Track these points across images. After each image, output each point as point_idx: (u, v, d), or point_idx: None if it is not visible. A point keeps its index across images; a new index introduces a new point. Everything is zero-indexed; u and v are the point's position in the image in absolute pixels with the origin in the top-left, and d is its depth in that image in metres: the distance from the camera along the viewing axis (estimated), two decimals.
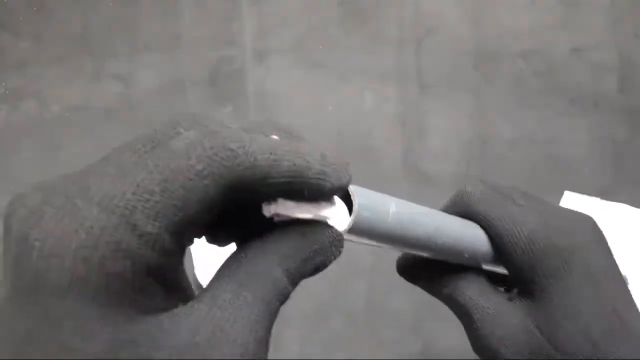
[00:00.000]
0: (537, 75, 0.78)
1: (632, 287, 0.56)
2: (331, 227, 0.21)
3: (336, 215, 0.21)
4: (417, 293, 0.32)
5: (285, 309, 0.20)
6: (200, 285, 0.66)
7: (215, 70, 0.81)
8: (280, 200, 0.20)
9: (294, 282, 0.20)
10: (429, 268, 0.29)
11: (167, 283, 0.18)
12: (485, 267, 0.29)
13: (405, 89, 0.79)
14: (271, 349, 0.19)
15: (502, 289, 0.30)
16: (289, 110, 0.79)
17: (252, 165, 0.18)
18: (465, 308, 0.28)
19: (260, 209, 0.20)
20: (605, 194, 0.70)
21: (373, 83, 0.79)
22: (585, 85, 0.77)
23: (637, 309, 0.27)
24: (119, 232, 0.16)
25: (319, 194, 0.20)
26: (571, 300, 0.26)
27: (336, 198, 0.22)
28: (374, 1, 0.82)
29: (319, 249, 0.20)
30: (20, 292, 0.16)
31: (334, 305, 0.69)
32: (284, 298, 0.20)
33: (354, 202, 0.22)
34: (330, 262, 0.21)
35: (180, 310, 0.17)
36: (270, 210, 0.20)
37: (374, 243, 0.24)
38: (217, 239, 0.22)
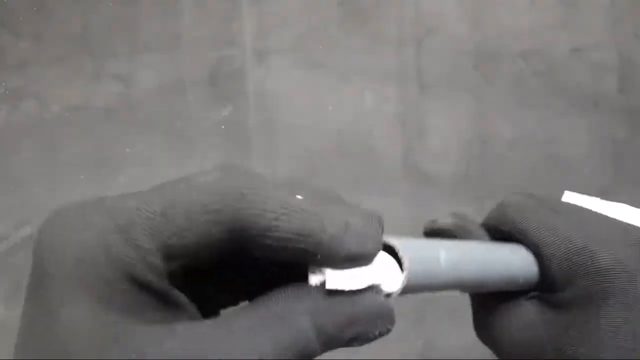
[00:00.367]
0: (537, 75, 0.78)
1: None
2: (380, 294, 0.19)
3: (386, 278, 0.19)
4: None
5: None
6: None
7: (215, 70, 0.81)
8: (327, 270, 0.18)
9: (324, 344, 0.18)
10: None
11: (165, 300, 0.18)
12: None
13: (405, 89, 0.79)
14: None
15: None
16: (289, 110, 0.79)
17: (258, 213, 0.17)
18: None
19: (269, 268, 0.19)
20: (605, 194, 0.70)
21: (373, 83, 0.79)
22: (585, 85, 0.77)
23: None
24: (113, 238, 0.17)
25: (333, 261, 0.18)
26: (593, 326, 0.24)
27: (382, 257, 0.20)
28: (374, 1, 0.82)
29: (362, 316, 0.18)
30: (29, 284, 0.17)
31: None
32: (304, 354, 0.17)
33: (403, 261, 0.20)
34: (374, 336, 0.18)
35: (181, 325, 0.17)
36: (315, 279, 0.18)
37: (426, 291, 0.22)
38: (225, 290, 0.21)
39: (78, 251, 0.16)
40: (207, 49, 0.81)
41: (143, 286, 0.17)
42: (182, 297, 0.18)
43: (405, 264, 0.20)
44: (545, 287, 0.27)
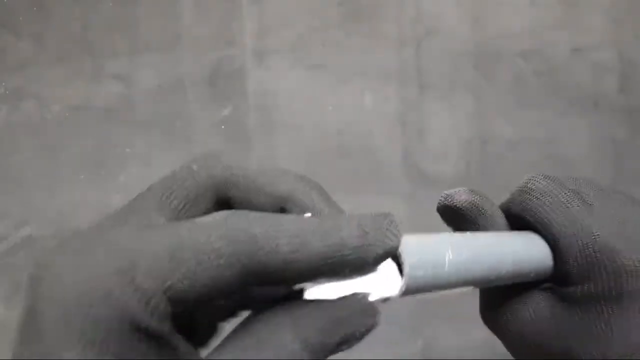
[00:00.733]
0: (537, 75, 0.78)
1: None
2: (358, 293, 0.18)
3: (384, 282, 0.19)
4: None
5: None
6: None
7: (215, 70, 0.81)
8: (322, 283, 0.18)
9: (312, 353, 0.17)
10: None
11: (163, 344, 0.17)
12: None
13: (405, 89, 0.79)
14: None
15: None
16: (289, 110, 0.79)
17: (273, 251, 0.17)
18: None
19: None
20: None
21: (373, 83, 0.79)
22: (585, 85, 0.77)
23: None
24: (113, 281, 0.16)
25: (364, 269, 0.18)
26: (603, 326, 0.23)
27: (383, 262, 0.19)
28: (374, 1, 0.82)
29: (344, 318, 0.18)
30: (23, 322, 0.17)
31: None
32: None
33: (403, 266, 0.19)
34: (361, 334, 0.18)
35: None
36: (311, 293, 0.18)
37: (430, 293, 0.22)
38: (223, 308, 0.21)
39: (75, 293, 0.16)
40: (207, 49, 0.81)
41: (141, 330, 0.16)
42: (181, 341, 0.18)
43: (405, 270, 0.19)
44: (559, 280, 0.26)
